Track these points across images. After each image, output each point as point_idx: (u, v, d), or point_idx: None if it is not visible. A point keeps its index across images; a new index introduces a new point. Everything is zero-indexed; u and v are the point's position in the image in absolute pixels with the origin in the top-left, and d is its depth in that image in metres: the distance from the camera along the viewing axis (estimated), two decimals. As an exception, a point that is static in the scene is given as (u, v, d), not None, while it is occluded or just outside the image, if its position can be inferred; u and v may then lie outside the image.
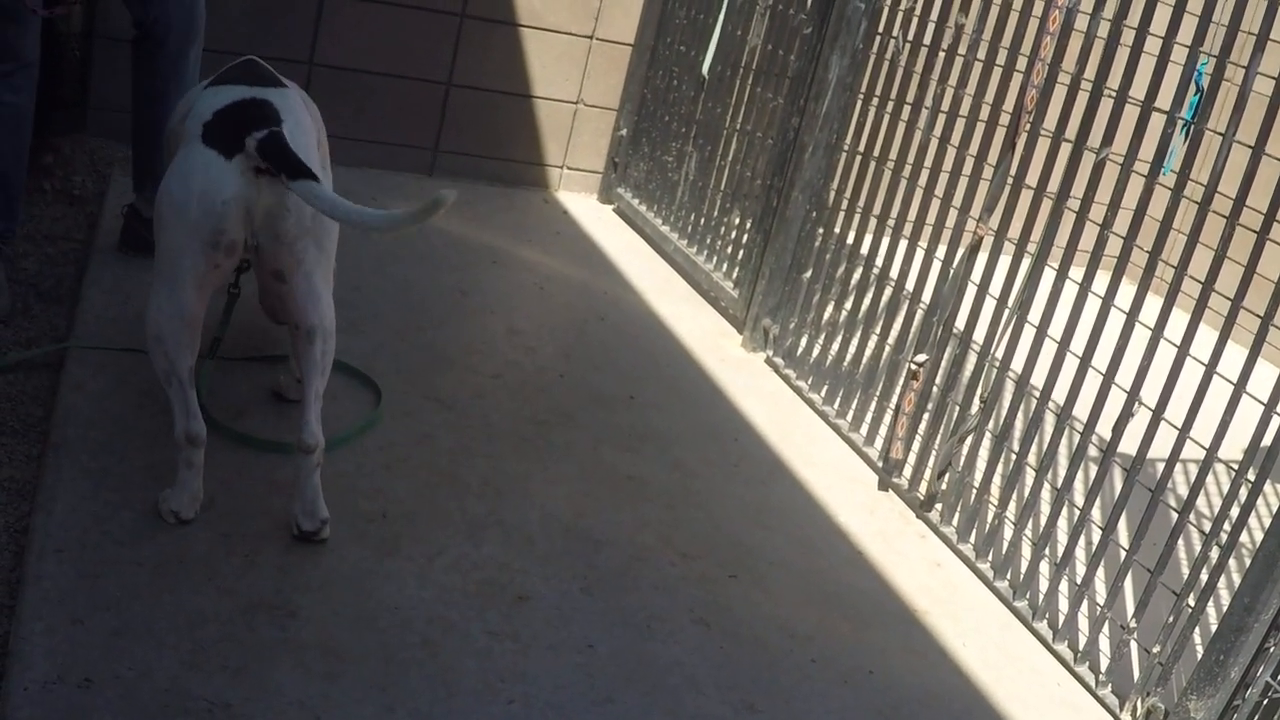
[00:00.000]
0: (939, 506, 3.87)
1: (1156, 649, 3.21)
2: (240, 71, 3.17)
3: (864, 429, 4.21)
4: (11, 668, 2.50)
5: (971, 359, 3.85)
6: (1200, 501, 4.43)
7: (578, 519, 3.44)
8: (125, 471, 3.15)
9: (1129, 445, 3.37)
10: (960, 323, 3.90)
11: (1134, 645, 3.35)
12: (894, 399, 4.08)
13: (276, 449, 3.36)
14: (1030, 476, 3.70)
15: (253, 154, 2.81)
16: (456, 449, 3.63)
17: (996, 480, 3.77)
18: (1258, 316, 3.07)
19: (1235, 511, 3.10)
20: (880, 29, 4.34)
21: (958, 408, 3.85)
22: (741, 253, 4.99)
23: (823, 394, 4.42)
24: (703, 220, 5.29)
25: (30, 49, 3.80)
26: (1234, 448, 3.29)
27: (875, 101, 4.32)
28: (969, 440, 3.79)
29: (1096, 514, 3.58)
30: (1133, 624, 3.28)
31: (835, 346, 4.38)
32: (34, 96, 3.89)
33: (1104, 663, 3.35)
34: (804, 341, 4.56)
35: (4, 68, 3.76)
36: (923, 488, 3.92)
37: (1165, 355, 3.25)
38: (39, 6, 3.69)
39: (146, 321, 2.93)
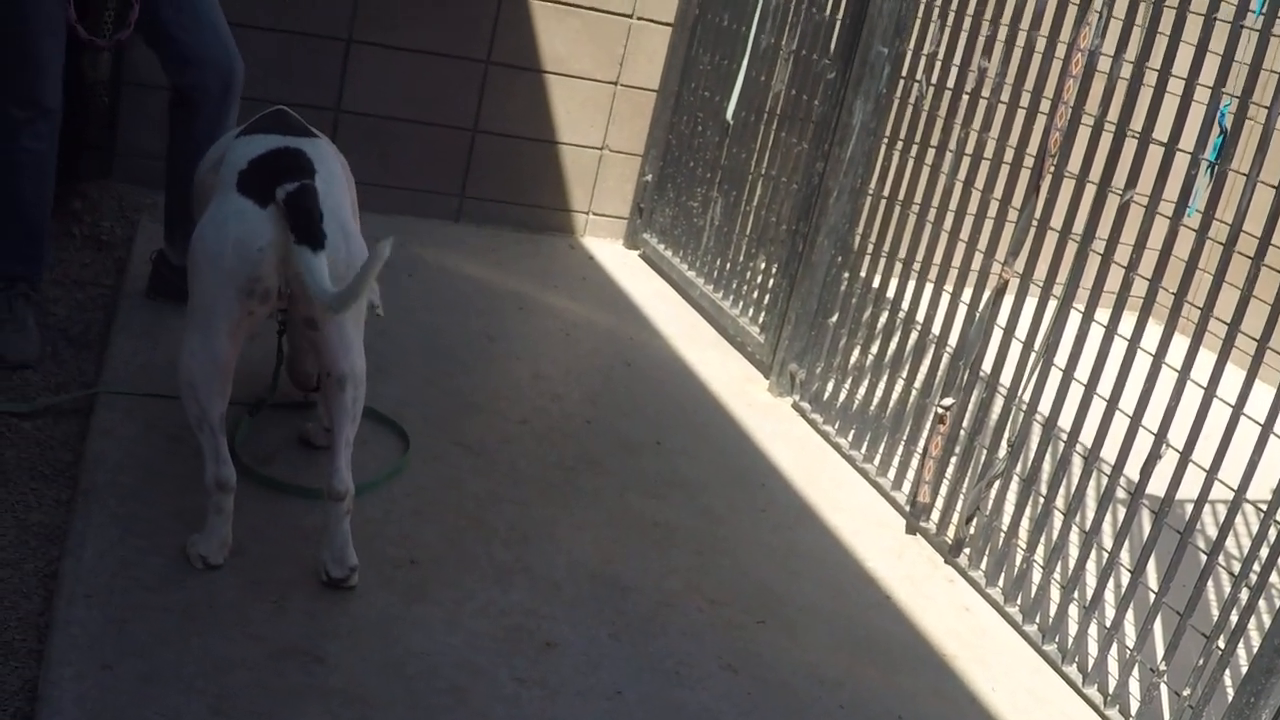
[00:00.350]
0: (967, 550, 3.86)
1: (1186, 692, 3.19)
2: (272, 121, 3.20)
3: (891, 473, 4.21)
4: (41, 713, 2.51)
5: (998, 402, 3.84)
6: (1229, 542, 4.40)
7: (605, 565, 3.44)
8: (154, 517, 3.17)
9: (1157, 487, 3.35)
10: (986, 366, 3.90)
11: (1164, 688, 3.33)
12: (921, 443, 4.07)
13: (305, 495, 3.36)
14: (1058, 519, 3.68)
15: (281, 203, 2.83)
16: (484, 495, 3.63)
17: (1024, 524, 3.76)
18: (1285, 357, 3.07)
19: (1264, 552, 3.08)
20: (904, 73, 4.36)
21: (985, 451, 3.84)
22: (767, 298, 4.99)
23: (850, 438, 4.41)
24: (728, 265, 5.30)
25: (51, 96, 3.83)
26: (1262, 488, 3.27)
27: (899, 146, 4.33)
28: (996, 484, 3.78)
29: (1125, 556, 3.57)
30: (1162, 666, 3.26)
31: (862, 391, 4.38)
32: (56, 143, 3.91)
33: (1134, 706, 3.33)
34: (830, 386, 4.56)
35: (25, 114, 3.79)
36: (951, 532, 3.91)
37: (1192, 396, 3.24)
38: (98, 38, 3.75)
39: (179, 367, 2.95)
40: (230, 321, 2.90)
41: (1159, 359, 3.35)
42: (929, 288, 4.16)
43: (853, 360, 4.46)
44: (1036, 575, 3.65)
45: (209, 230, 2.91)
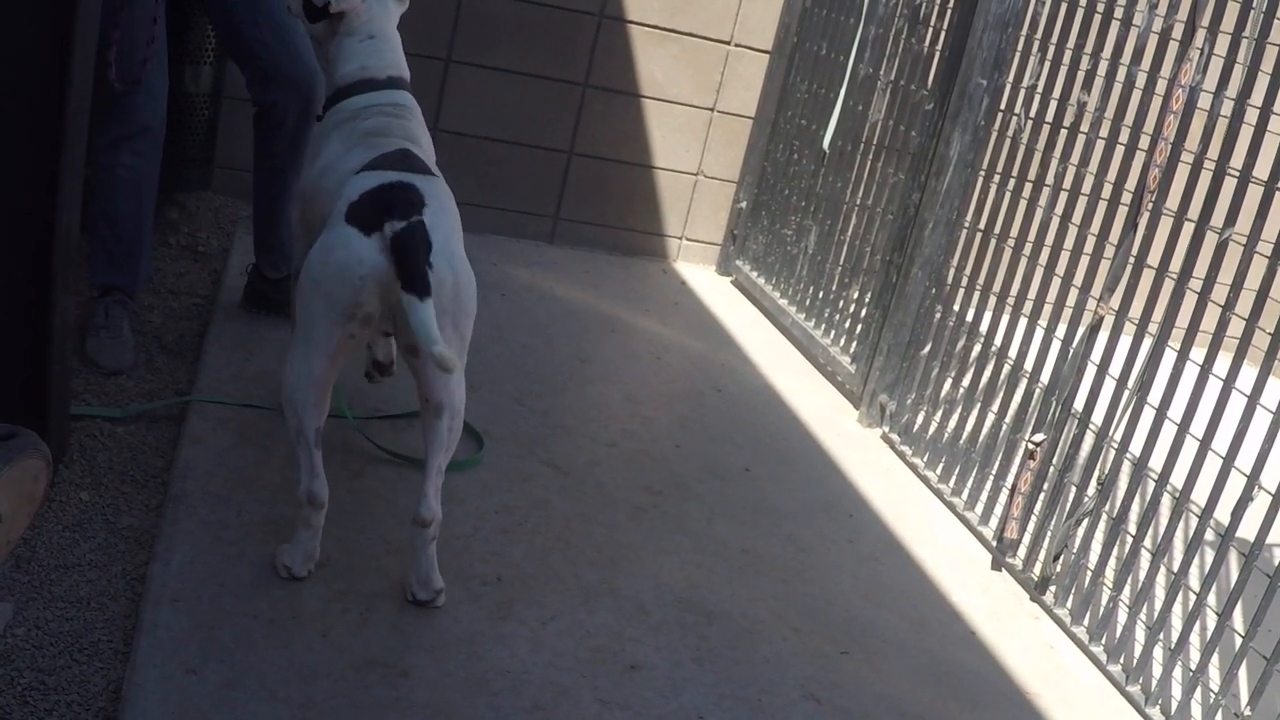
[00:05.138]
0: (1053, 588, 3.83)
1: (1274, 739, 3.15)
2: (394, 159, 3.17)
3: (979, 508, 4.18)
4: (125, 713, 2.55)
5: (1089, 440, 3.82)
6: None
7: (691, 590, 3.45)
8: (243, 525, 3.21)
9: (1247, 530, 3.32)
10: (1079, 403, 3.87)
11: (1250, 734, 3.30)
12: (1010, 478, 4.05)
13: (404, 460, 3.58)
14: (1145, 560, 3.65)
15: (388, 240, 2.88)
16: (572, 516, 3.65)
17: (1111, 563, 3.73)
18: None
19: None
20: (1002, 106, 4.34)
21: (1074, 489, 3.82)
22: (859, 328, 4.98)
23: (938, 471, 4.39)
24: (821, 294, 5.30)
25: (151, 116, 3.90)
26: (1356, 535, 3.23)
27: (996, 178, 4.31)
28: (1085, 522, 3.75)
29: (1212, 599, 3.53)
30: (1247, 711, 3.22)
31: (952, 424, 4.36)
32: (158, 161, 3.99)
33: (1220, 751, 3.30)
34: (920, 418, 4.54)
35: (125, 132, 3.86)
36: (1037, 569, 3.88)
37: (1287, 440, 3.21)
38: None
39: (282, 380, 3.03)
40: (330, 344, 2.96)
41: (1254, 400, 3.31)
42: (1023, 322, 4.14)
43: (943, 393, 4.45)
44: (1122, 616, 3.62)
45: (316, 257, 2.97)
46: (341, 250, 2.92)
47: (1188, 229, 3.55)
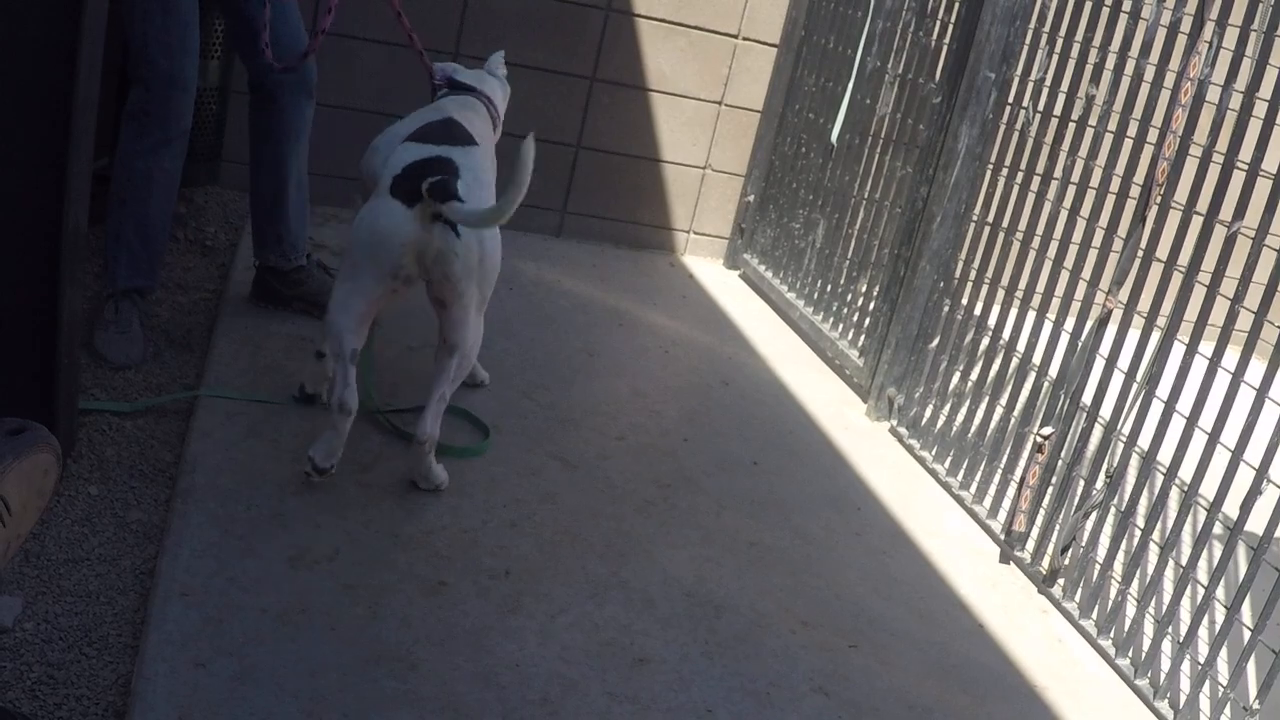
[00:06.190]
0: (1061, 581, 3.83)
1: (1283, 732, 3.15)
2: (437, 130, 3.54)
3: (987, 501, 4.18)
4: (134, 708, 2.55)
5: (1097, 433, 3.81)
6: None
7: (699, 583, 3.45)
8: (251, 519, 3.21)
9: (1255, 524, 3.32)
10: (1087, 396, 3.87)
11: (1259, 728, 3.30)
12: (1018, 471, 4.05)
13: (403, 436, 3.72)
14: (1154, 553, 3.65)
15: (426, 199, 3.23)
16: (580, 509, 3.65)
17: (1120, 557, 3.73)
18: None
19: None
20: (1010, 99, 4.34)
21: (1082, 482, 3.82)
22: (867, 321, 4.98)
23: (946, 464, 4.39)
24: (829, 288, 5.30)
25: (189, 116, 3.95)
26: (1366, 528, 3.23)
27: (1004, 172, 4.31)
28: (1093, 515, 3.75)
29: (1220, 593, 3.53)
30: (1255, 705, 3.22)
31: (960, 417, 4.36)
32: (184, 162, 4.02)
33: (1228, 745, 3.30)
34: (928, 411, 4.54)
35: (167, 135, 3.88)
36: (1045, 562, 3.88)
37: (1296, 433, 3.20)
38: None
39: (327, 309, 3.41)
40: (372, 294, 3.37)
41: (1262, 393, 3.31)
42: (1031, 315, 4.14)
43: (951, 386, 4.44)
44: (1130, 609, 3.62)
45: (365, 221, 3.36)
46: (386, 219, 3.30)
47: (1196, 222, 3.55)
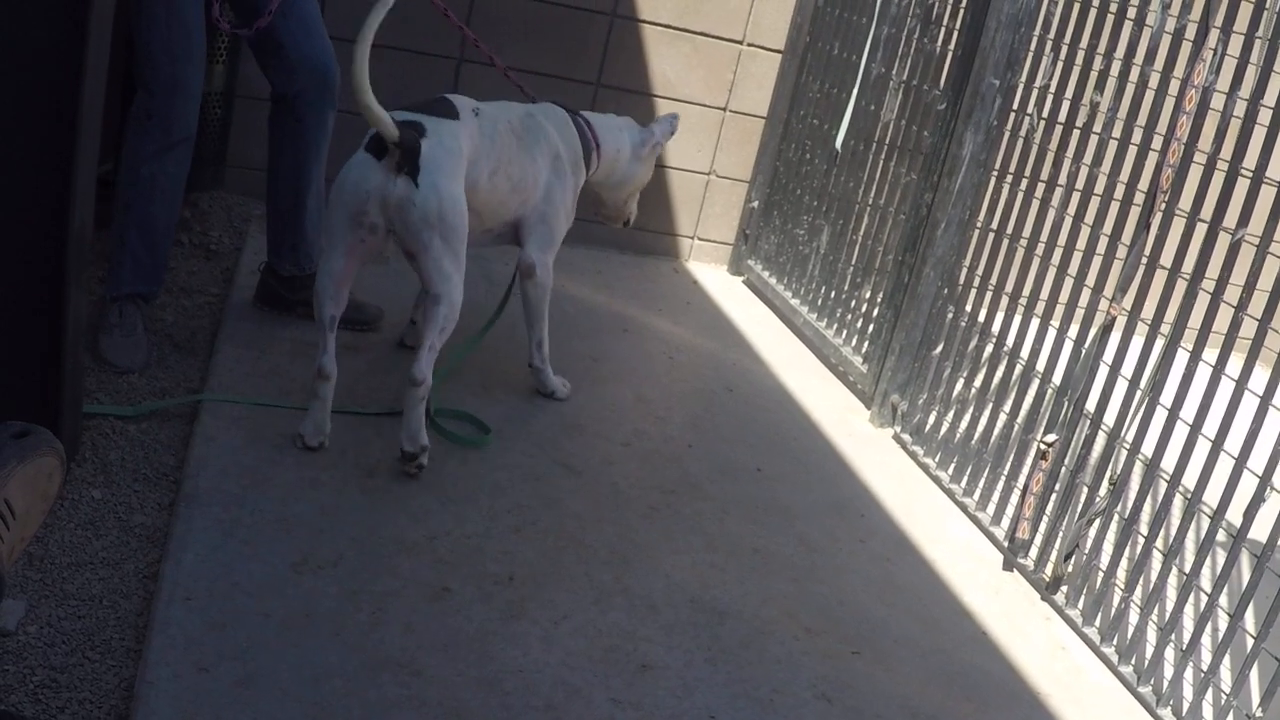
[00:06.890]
0: (1065, 589, 3.82)
1: (1286, 740, 3.15)
2: (426, 104, 3.75)
3: (990, 508, 4.18)
4: (136, 712, 2.55)
5: (1101, 440, 3.81)
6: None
7: (703, 590, 3.45)
8: (255, 524, 3.21)
9: (1259, 532, 3.31)
10: (1091, 403, 3.87)
11: (1262, 735, 3.29)
12: (1022, 479, 4.05)
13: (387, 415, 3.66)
14: (1157, 560, 3.64)
15: (392, 150, 3.48)
16: (584, 515, 3.65)
17: (1123, 564, 3.73)
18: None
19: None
20: (1014, 105, 4.34)
21: (1086, 489, 3.81)
22: (871, 328, 4.98)
23: (950, 471, 4.39)
24: (833, 294, 5.30)
25: (194, 122, 3.95)
26: (1370, 537, 3.23)
27: (1009, 178, 4.31)
28: (1096, 523, 3.75)
29: (1224, 600, 3.53)
30: (1258, 713, 3.22)
31: (964, 424, 4.36)
32: (188, 167, 4.02)
33: (1231, 752, 3.29)
34: (932, 418, 4.54)
35: (171, 140, 3.89)
36: (1048, 569, 3.88)
37: (1300, 440, 3.20)
38: (239, 25, 3.99)
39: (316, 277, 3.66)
40: (345, 245, 3.59)
41: (1266, 400, 3.31)
42: (1035, 322, 4.14)
43: (955, 393, 4.44)
44: (1134, 616, 3.61)
45: (340, 175, 3.58)
46: (356, 170, 3.55)
47: (1200, 229, 3.55)
